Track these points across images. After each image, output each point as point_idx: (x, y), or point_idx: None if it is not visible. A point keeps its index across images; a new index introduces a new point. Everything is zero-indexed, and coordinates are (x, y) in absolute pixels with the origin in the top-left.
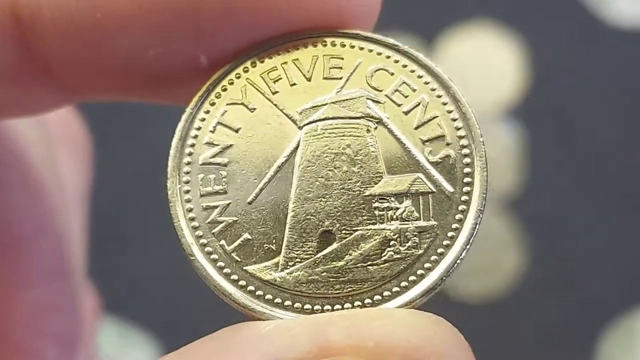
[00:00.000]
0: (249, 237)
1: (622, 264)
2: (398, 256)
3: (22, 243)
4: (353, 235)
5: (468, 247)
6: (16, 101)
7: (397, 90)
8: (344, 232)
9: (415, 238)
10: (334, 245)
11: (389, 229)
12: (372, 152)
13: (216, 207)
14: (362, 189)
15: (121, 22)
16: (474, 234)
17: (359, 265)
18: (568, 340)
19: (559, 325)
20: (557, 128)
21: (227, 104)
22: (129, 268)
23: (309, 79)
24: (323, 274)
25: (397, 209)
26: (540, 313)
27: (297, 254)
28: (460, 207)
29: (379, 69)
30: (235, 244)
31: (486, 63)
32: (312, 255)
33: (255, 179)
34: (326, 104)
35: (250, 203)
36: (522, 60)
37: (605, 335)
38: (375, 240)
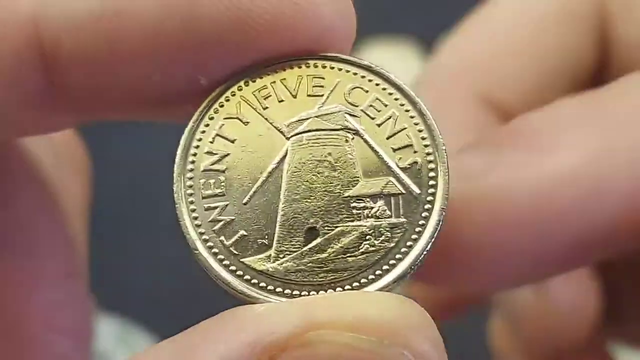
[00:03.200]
0: (245, 233)
1: None
2: (373, 249)
3: (38, 246)
4: (334, 231)
5: (433, 240)
6: (35, 122)
7: (371, 105)
8: (326, 228)
9: (387, 233)
10: (318, 240)
11: (365, 225)
12: (350, 159)
13: (216, 207)
14: (341, 191)
15: (131, 53)
16: (438, 229)
17: (339, 256)
18: None
19: None
20: None
21: (224, 118)
22: (131, 267)
23: (294, 96)
24: (309, 265)
25: (372, 208)
26: None
27: (286, 248)
28: (426, 206)
29: (355, 87)
30: (233, 239)
31: None
32: (299, 249)
33: (250, 183)
34: (310, 117)
35: (245, 204)
36: None
37: None
38: (353, 235)
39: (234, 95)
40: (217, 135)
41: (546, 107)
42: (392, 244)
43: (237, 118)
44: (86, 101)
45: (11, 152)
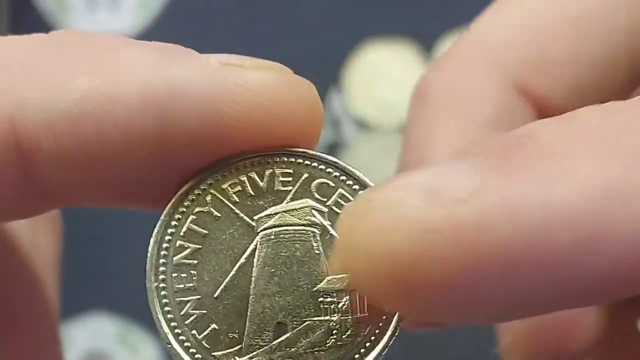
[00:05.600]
0: (216, 327)
1: None
2: (340, 343)
3: (17, 322)
4: (302, 326)
5: (395, 336)
6: (10, 210)
7: (337, 200)
8: (295, 322)
9: (353, 328)
10: (287, 334)
11: (332, 320)
12: (317, 254)
13: (188, 301)
14: (309, 286)
15: (107, 153)
16: (398, 325)
17: (308, 351)
18: None
19: None
20: None
21: (195, 212)
22: (131, 267)
23: (263, 191)
24: (279, 359)
25: (339, 302)
26: None
27: (256, 342)
28: None
29: (322, 182)
30: (205, 333)
31: None
32: (269, 343)
33: (220, 277)
34: (278, 212)
35: (216, 298)
36: None
37: None
38: (321, 330)
39: (204, 189)
40: (189, 229)
41: (564, 117)
42: (358, 339)
43: (208, 212)
44: (62, 193)
45: None
